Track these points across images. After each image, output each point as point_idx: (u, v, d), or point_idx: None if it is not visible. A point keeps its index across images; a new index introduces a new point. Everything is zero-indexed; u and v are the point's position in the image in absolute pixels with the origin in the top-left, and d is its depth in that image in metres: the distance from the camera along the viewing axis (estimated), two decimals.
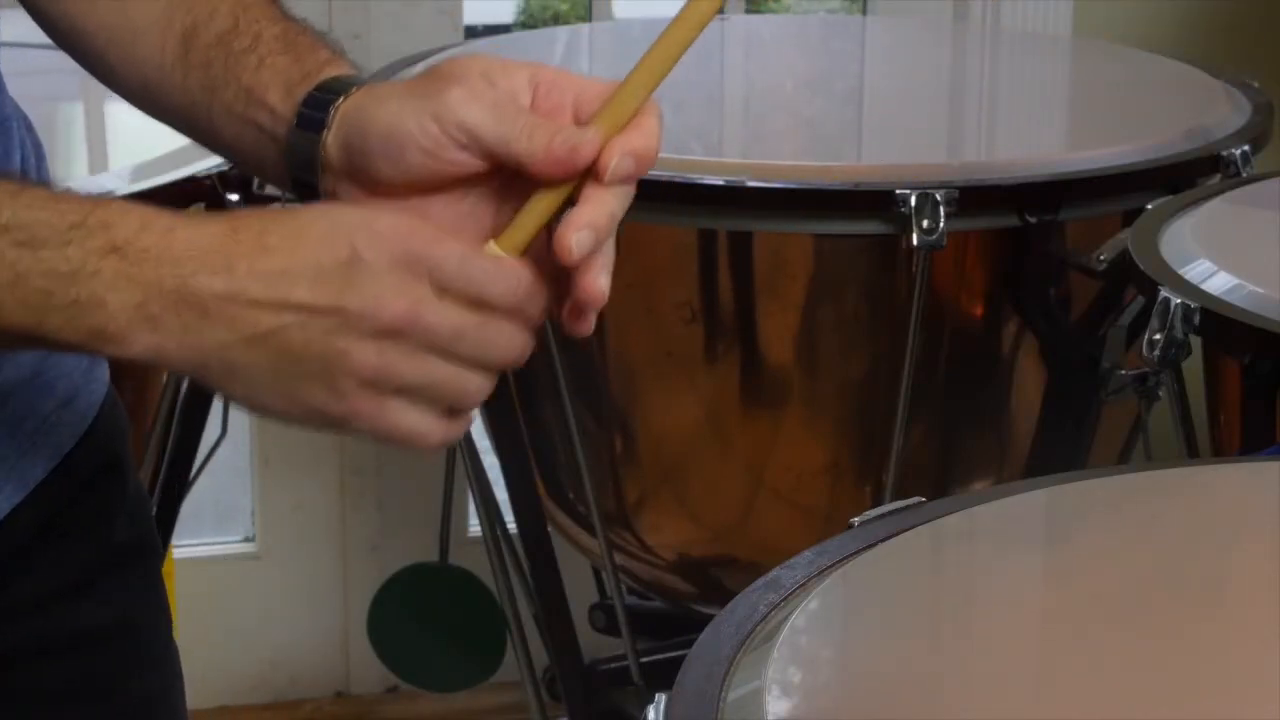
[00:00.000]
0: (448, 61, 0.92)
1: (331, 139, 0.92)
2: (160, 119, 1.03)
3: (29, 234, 0.84)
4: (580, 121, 0.90)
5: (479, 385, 0.88)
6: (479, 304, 0.87)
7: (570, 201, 0.90)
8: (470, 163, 0.90)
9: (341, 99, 0.92)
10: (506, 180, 0.91)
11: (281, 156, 0.95)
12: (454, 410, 0.89)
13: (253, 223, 0.86)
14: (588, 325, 0.91)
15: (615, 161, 0.88)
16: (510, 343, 0.88)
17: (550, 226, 0.90)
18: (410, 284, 0.85)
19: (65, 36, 1.04)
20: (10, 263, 0.84)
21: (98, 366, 1.08)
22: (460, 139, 0.89)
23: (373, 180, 0.91)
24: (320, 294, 0.85)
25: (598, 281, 0.89)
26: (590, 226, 0.88)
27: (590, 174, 0.89)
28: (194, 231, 0.85)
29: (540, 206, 0.90)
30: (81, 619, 1.07)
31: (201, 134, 1.01)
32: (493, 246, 0.89)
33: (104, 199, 0.87)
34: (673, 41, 0.91)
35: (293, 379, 0.86)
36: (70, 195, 0.86)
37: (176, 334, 0.85)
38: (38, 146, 1.06)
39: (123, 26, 1.01)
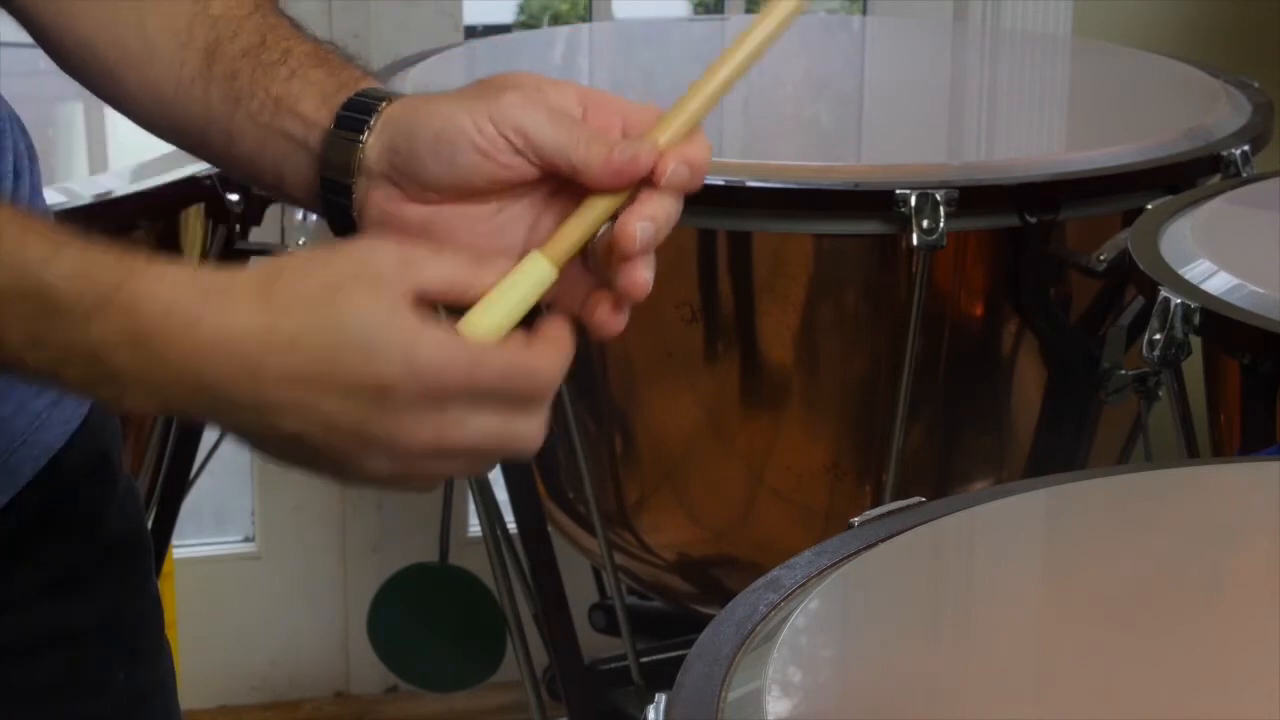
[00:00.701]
0: (496, 75, 0.91)
1: (373, 141, 0.91)
2: (168, 137, 1.02)
3: (54, 304, 0.83)
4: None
5: (494, 464, 0.89)
6: (512, 410, 0.86)
7: (615, 217, 0.89)
8: (522, 168, 0.89)
9: (386, 103, 0.92)
10: (548, 193, 0.91)
11: (312, 162, 0.94)
12: None
13: (290, 317, 0.83)
14: (622, 321, 0.91)
15: (672, 168, 0.89)
16: (534, 434, 0.88)
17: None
18: (440, 413, 0.84)
19: (70, 54, 1.02)
20: (31, 328, 0.83)
21: None
22: (516, 142, 0.89)
23: (417, 183, 0.90)
24: (347, 411, 0.83)
25: (644, 274, 0.89)
26: (652, 219, 0.88)
27: (641, 186, 0.89)
28: (223, 321, 0.83)
29: (589, 217, 0.89)
30: (71, 616, 1.07)
31: (215, 148, 0.99)
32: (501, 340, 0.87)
33: (137, 265, 0.84)
34: (726, 72, 0.94)
35: (309, 461, 0.86)
36: (103, 260, 0.84)
37: (196, 412, 0.85)
38: (30, 149, 1.05)
39: (139, 46, 1.00)
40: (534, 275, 0.87)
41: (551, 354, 0.86)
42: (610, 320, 0.90)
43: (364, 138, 0.91)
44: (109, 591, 1.10)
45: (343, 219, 0.94)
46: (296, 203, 0.97)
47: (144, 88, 1.00)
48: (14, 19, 1.03)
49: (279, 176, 0.96)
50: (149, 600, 1.15)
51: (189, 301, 0.83)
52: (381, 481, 0.86)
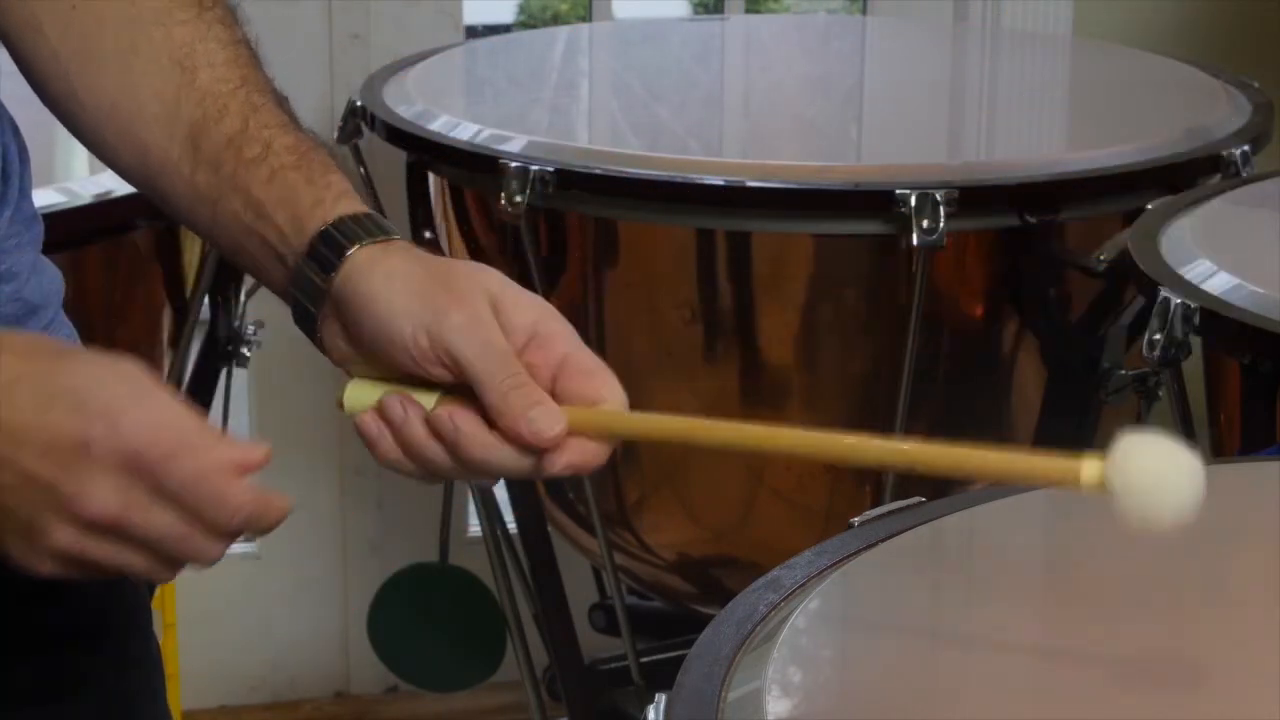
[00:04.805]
0: (462, 271, 0.95)
1: (337, 285, 0.95)
2: (150, 197, 1.05)
3: None
4: (551, 385, 0.94)
5: (173, 570, 0.90)
6: (194, 519, 0.88)
7: None
8: (444, 376, 0.93)
9: (358, 246, 0.95)
10: None
11: (285, 274, 0.97)
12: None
13: (11, 369, 0.86)
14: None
15: (560, 465, 0.93)
16: (209, 553, 0.90)
17: None
18: (129, 487, 0.86)
19: (62, 102, 1.04)
20: None
21: None
22: (446, 361, 0.93)
23: (356, 340, 0.95)
24: (43, 466, 0.85)
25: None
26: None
27: None
28: None
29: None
30: (58, 618, 1.07)
31: (198, 226, 1.03)
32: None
33: None
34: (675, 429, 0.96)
35: None
36: None
37: None
38: (22, 150, 1.05)
39: (128, 103, 1.02)
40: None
41: (249, 495, 0.89)
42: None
43: (333, 277, 0.95)
44: (96, 595, 1.10)
45: (307, 323, 0.98)
46: (279, 294, 1.00)
47: (129, 149, 1.03)
48: (10, 56, 1.04)
49: (255, 269, 1.00)
50: (137, 603, 1.15)
51: None
52: (60, 560, 0.87)
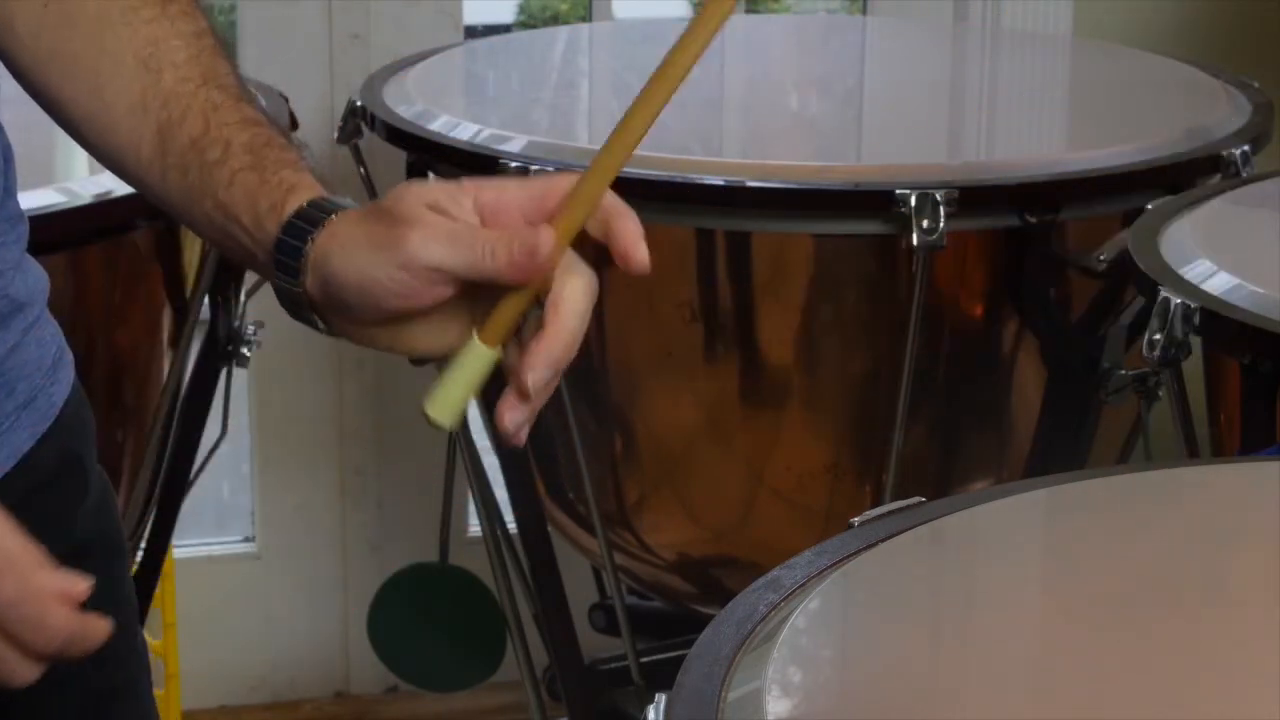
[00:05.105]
0: (393, 199, 0.95)
1: (310, 283, 0.96)
2: (142, 195, 1.06)
3: None
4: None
5: None
6: (10, 640, 0.89)
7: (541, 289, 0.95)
8: (443, 291, 0.94)
9: (309, 244, 0.96)
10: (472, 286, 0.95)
11: (266, 267, 0.99)
12: None
13: None
14: (518, 416, 0.95)
15: (532, 377, 0.93)
16: (22, 675, 0.91)
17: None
18: None
19: (46, 106, 1.06)
20: None
21: (61, 367, 1.09)
22: (432, 278, 0.93)
23: (352, 319, 0.96)
24: None
25: (544, 389, 0.94)
26: (546, 366, 0.93)
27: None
28: None
29: (516, 301, 0.95)
30: None
31: (186, 225, 1.05)
32: None
33: None
34: (620, 146, 0.95)
35: None
36: None
37: None
38: (6, 149, 1.06)
39: (98, 109, 1.03)
40: (476, 358, 0.95)
41: (68, 621, 0.90)
42: (508, 413, 0.95)
43: (300, 280, 0.96)
44: None
45: (311, 324, 0.99)
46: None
47: (107, 152, 1.05)
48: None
49: (249, 267, 1.02)
50: (122, 600, 1.15)
51: None
52: None
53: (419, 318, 0.96)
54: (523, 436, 0.95)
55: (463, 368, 0.95)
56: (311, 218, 0.97)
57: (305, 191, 0.99)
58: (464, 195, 0.95)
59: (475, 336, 0.95)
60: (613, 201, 0.95)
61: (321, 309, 0.98)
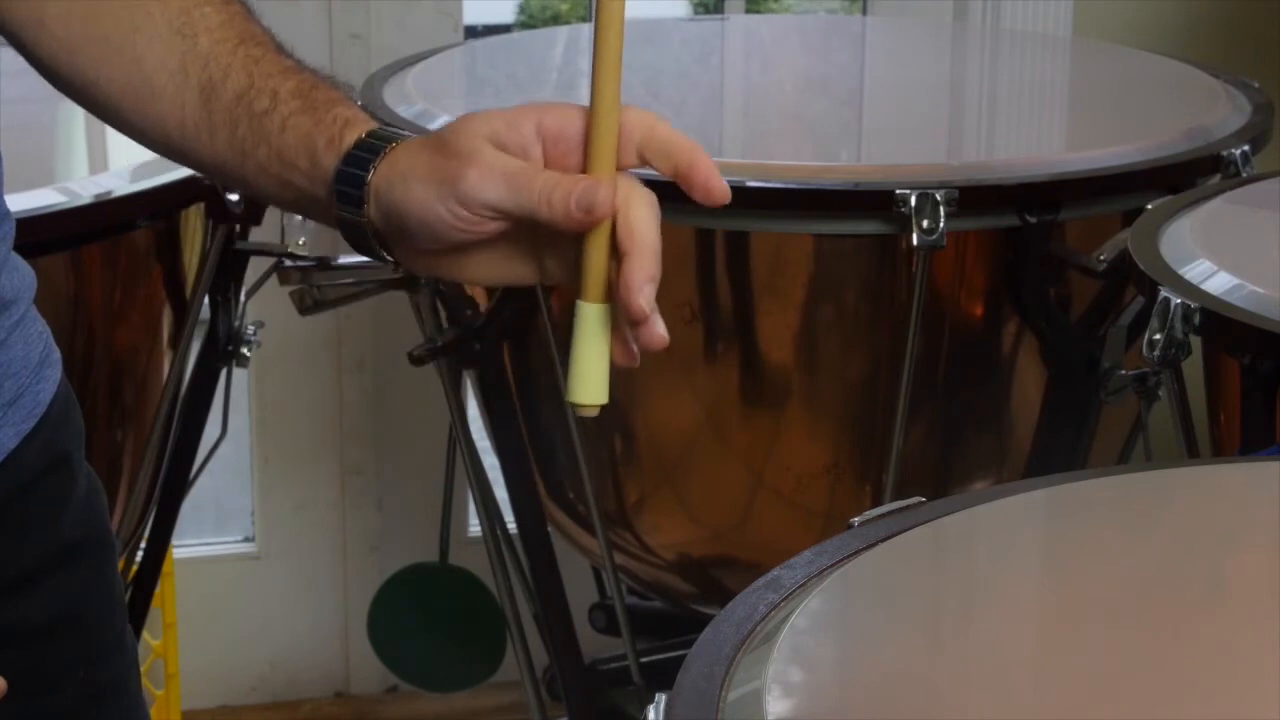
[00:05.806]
0: (452, 130, 0.96)
1: (373, 212, 0.97)
2: (186, 165, 1.07)
3: None
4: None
5: None
6: None
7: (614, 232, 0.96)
8: (503, 226, 0.95)
9: (371, 172, 0.97)
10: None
11: (327, 207, 0.99)
12: None
13: None
14: (637, 358, 0.99)
15: (642, 297, 0.98)
16: None
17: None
18: None
19: (78, 92, 1.06)
20: None
21: (48, 365, 1.09)
22: (489, 215, 0.94)
23: (416, 249, 0.98)
24: None
25: (659, 330, 1.00)
26: (649, 279, 0.99)
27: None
28: None
29: (597, 251, 0.96)
30: (29, 612, 1.08)
31: (235, 185, 1.07)
32: None
33: None
34: (610, 51, 0.94)
35: None
36: None
37: None
38: None
39: (138, 83, 1.04)
40: (592, 320, 0.96)
41: None
42: (626, 357, 0.98)
43: (364, 210, 0.98)
44: (66, 591, 1.10)
45: (375, 255, 1.01)
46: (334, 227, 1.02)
47: (149, 126, 1.05)
48: (17, 52, 1.05)
49: (306, 210, 1.03)
50: (110, 597, 1.15)
51: None
52: None
53: (483, 247, 0.97)
54: (663, 336, 0.99)
55: (585, 336, 0.95)
56: (372, 147, 0.98)
57: (361, 124, 1.00)
58: (526, 122, 0.95)
59: (581, 302, 0.95)
60: (680, 140, 0.96)
61: (385, 239, 0.98)
